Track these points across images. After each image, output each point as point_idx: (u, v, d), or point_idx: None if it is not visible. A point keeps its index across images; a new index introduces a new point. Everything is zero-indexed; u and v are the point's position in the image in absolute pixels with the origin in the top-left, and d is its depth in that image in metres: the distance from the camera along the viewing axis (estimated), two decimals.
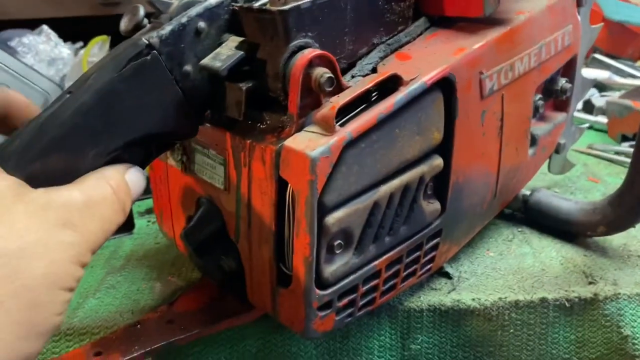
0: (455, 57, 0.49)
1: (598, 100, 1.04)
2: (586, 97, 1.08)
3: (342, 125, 0.43)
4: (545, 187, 0.79)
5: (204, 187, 0.51)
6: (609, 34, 1.33)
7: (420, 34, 0.54)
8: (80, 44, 1.07)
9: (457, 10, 0.53)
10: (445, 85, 0.48)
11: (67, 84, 0.84)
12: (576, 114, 1.04)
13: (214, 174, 0.50)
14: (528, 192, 0.69)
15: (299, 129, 0.44)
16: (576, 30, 0.64)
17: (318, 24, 0.45)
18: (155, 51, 0.42)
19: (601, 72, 1.17)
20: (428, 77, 0.47)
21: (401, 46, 0.52)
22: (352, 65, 0.49)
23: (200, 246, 0.51)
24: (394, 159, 0.46)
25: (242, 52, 0.43)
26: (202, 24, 0.44)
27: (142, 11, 0.45)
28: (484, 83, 0.51)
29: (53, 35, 0.99)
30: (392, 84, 0.46)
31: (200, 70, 0.44)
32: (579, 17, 0.64)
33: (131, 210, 0.71)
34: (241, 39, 0.45)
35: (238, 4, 0.45)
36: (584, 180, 0.81)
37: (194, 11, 0.43)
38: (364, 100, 0.45)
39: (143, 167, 0.45)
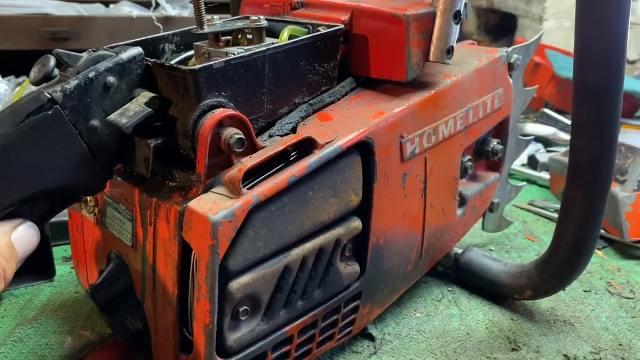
0: (374, 120, 0.49)
1: (542, 156, 1.05)
2: (531, 152, 1.09)
3: (251, 187, 0.42)
4: (481, 244, 0.80)
5: (114, 241, 0.49)
6: (558, 89, 1.36)
7: (345, 94, 0.54)
8: (24, 78, 1.05)
9: (382, 73, 0.53)
10: (363, 149, 0.48)
11: None
12: (520, 168, 1.05)
13: (122, 229, 0.48)
14: (460, 251, 0.69)
15: (207, 189, 0.42)
16: (507, 93, 0.65)
17: (232, 84, 0.44)
18: (57, 106, 0.40)
19: (547, 128, 1.20)
20: (345, 140, 0.46)
21: (324, 106, 0.52)
22: (271, 124, 0.49)
23: (107, 304, 0.49)
24: (307, 222, 0.45)
25: (149, 110, 0.42)
26: (111, 79, 0.43)
27: (52, 62, 0.44)
28: (404, 146, 0.51)
29: None
30: (307, 146, 0.45)
31: (107, 126, 0.43)
32: (510, 80, 0.65)
33: (52, 257, 0.69)
34: (152, 94, 0.44)
35: (152, 60, 0.45)
36: (520, 238, 0.82)
37: (103, 65, 0.42)
38: (281, 160, 0.44)
39: (45, 221, 0.43)
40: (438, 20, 0.51)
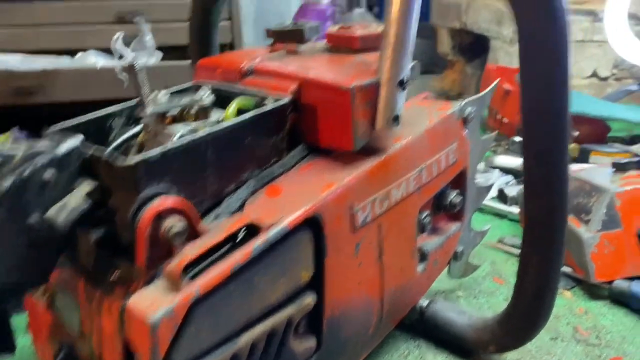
0: (322, 194, 0.48)
1: (512, 189, 1.06)
2: (501, 185, 1.10)
3: (194, 275, 0.41)
4: (450, 289, 0.79)
5: (64, 328, 0.49)
6: None
7: (296, 164, 0.53)
8: None
9: (330, 143, 0.53)
10: (312, 223, 0.48)
11: None
12: (490, 202, 1.05)
13: (72, 317, 0.47)
14: (425, 303, 0.69)
15: (149, 281, 0.42)
16: (462, 146, 0.65)
17: (172, 171, 0.44)
18: None
19: (517, 159, 1.20)
20: (291, 218, 0.46)
21: (274, 178, 0.52)
22: (218, 203, 0.48)
23: None
24: (255, 306, 0.45)
25: (86, 206, 0.42)
26: (48, 175, 0.42)
27: None
28: (355, 216, 0.51)
29: None
30: (252, 229, 0.45)
31: (46, 222, 0.42)
32: (465, 133, 0.65)
33: (12, 330, 0.67)
34: (92, 185, 0.43)
35: (90, 150, 0.44)
36: (489, 282, 0.81)
37: (39, 161, 0.42)
38: (227, 241, 0.44)
39: None
40: (383, 90, 0.51)
